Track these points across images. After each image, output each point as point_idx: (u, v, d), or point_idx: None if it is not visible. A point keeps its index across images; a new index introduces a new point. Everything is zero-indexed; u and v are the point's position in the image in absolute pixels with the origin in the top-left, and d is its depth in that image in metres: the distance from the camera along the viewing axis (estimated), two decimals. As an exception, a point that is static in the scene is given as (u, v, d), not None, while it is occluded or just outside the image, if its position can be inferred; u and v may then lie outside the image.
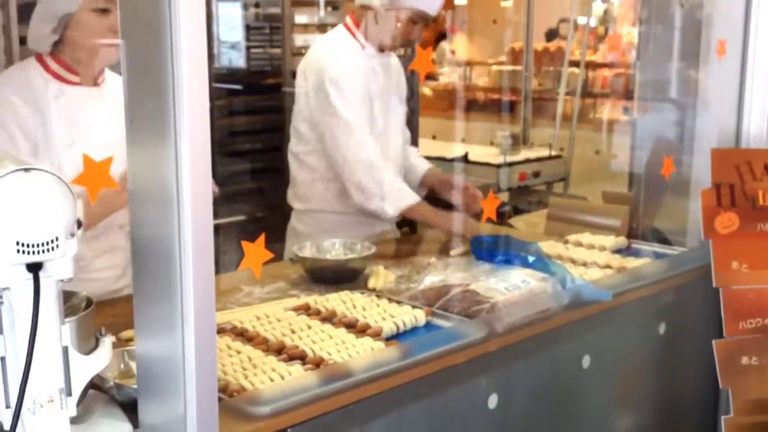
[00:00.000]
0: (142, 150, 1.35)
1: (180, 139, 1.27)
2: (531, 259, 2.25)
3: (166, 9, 1.25)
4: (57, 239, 1.20)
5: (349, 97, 2.65)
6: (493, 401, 1.91)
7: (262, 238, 1.44)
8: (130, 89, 1.33)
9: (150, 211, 1.35)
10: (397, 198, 2.67)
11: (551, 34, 7.26)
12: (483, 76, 8.06)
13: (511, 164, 5.23)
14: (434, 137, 6.16)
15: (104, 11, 2.04)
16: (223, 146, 4.27)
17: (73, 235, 1.25)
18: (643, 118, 3.06)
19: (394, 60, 2.87)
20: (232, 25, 5.27)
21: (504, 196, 5.31)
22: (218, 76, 4.54)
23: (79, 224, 1.28)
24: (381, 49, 2.77)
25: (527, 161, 5.37)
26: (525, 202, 5.35)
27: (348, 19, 2.80)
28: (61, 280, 1.26)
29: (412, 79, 3.43)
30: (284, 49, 4.63)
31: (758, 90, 2.54)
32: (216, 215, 3.91)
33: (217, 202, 2.46)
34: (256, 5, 5.08)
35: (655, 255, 2.64)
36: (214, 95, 4.46)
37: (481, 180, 5.14)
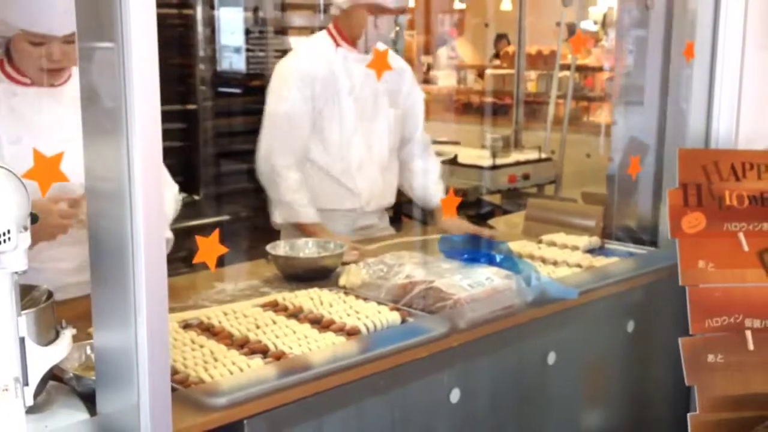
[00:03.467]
0: (96, 146, 1.39)
1: (131, 136, 1.31)
2: (499, 257, 2.28)
3: (117, 10, 1.29)
4: (9, 232, 1.24)
5: (293, 98, 2.74)
6: (455, 396, 1.95)
7: (216, 232, 1.49)
8: (84, 88, 1.38)
9: (104, 206, 1.39)
10: (288, 211, 2.75)
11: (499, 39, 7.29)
12: (477, 79, 8.12)
13: (500, 167, 5.27)
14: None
15: (37, 44, 2.09)
16: (220, 146, 4.34)
17: (26, 228, 1.29)
18: (625, 120, 3.09)
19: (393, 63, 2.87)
20: (232, 29, 5.34)
21: (495, 198, 5.36)
22: (211, 78, 4.59)
23: (34, 218, 1.32)
24: (365, 50, 2.81)
25: (517, 164, 5.41)
26: (515, 205, 5.39)
27: (331, 24, 2.87)
28: (16, 273, 1.30)
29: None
30: (266, 52, 4.72)
31: (727, 91, 2.58)
32: (212, 214, 3.94)
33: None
34: (255, 9, 5.14)
35: (628, 255, 2.67)
36: (207, 97, 4.51)
37: (469, 182, 5.19)
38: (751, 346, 2.32)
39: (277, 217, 2.80)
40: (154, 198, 1.35)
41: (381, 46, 2.81)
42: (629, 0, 2.74)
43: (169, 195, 2.38)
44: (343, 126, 2.80)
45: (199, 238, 1.46)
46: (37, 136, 2.14)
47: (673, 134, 2.70)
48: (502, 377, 2.08)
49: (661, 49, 2.67)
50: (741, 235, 2.38)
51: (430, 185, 3.02)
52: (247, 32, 5.08)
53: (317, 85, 2.74)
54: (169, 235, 2.25)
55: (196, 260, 1.47)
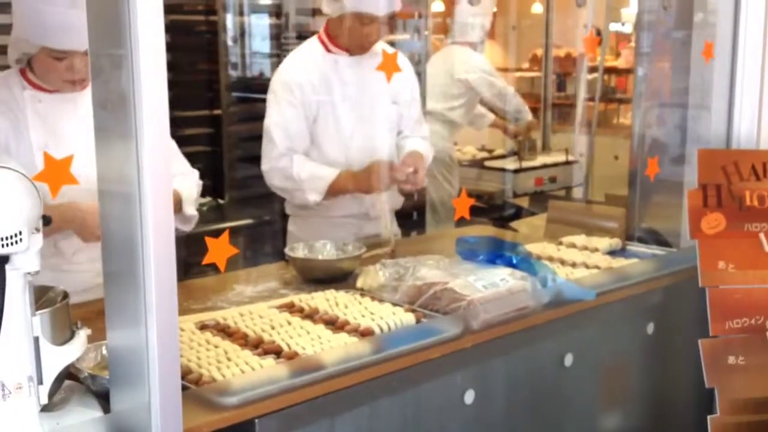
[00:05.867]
0: (107, 150, 1.42)
1: (140, 140, 1.34)
2: (515, 259, 2.28)
3: (126, 18, 1.33)
4: (21, 233, 1.27)
5: (283, 108, 2.75)
6: (469, 397, 1.95)
7: (226, 233, 1.51)
8: (95, 94, 1.41)
9: (116, 209, 1.43)
10: (314, 183, 2.74)
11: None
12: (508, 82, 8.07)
13: (526, 170, 5.26)
14: (455, 143, 6.22)
15: (60, 59, 2.15)
16: (243, 150, 4.40)
17: (38, 230, 1.32)
18: (646, 121, 3.07)
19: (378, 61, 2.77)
20: (262, 35, 5.40)
21: (523, 201, 5.35)
22: (235, 83, 4.65)
23: (46, 220, 1.35)
24: (354, 53, 2.81)
25: (544, 167, 5.40)
26: (542, 208, 5.38)
27: (322, 29, 2.88)
28: (29, 273, 1.34)
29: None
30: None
31: (748, 91, 2.55)
32: (236, 218, 3.99)
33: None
34: (277, 15, 5.18)
35: (649, 256, 2.65)
36: (231, 102, 4.56)
37: (496, 185, 5.19)
38: (772, 348, 2.29)
39: (311, 196, 2.75)
40: (163, 200, 1.37)
41: (389, 48, 2.79)
42: (648, 1, 2.72)
43: (191, 180, 2.49)
44: (340, 131, 2.79)
45: (208, 239, 1.48)
46: (61, 140, 2.19)
47: (694, 135, 2.67)
48: (518, 379, 2.08)
49: (681, 50, 2.65)
50: (762, 236, 2.35)
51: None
52: (277, 37, 5.13)
53: (306, 92, 2.75)
54: (194, 212, 2.40)
55: (205, 261, 1.49)
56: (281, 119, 2.76)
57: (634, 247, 2.78)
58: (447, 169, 4.96)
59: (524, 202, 5.37)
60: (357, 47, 2.75)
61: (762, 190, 2.39)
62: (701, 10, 2.67)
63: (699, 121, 2.72)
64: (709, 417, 2.30)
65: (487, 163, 5.38)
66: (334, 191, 2.76)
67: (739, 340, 2.32)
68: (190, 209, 2.39)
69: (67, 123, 2.23)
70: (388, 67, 1.96)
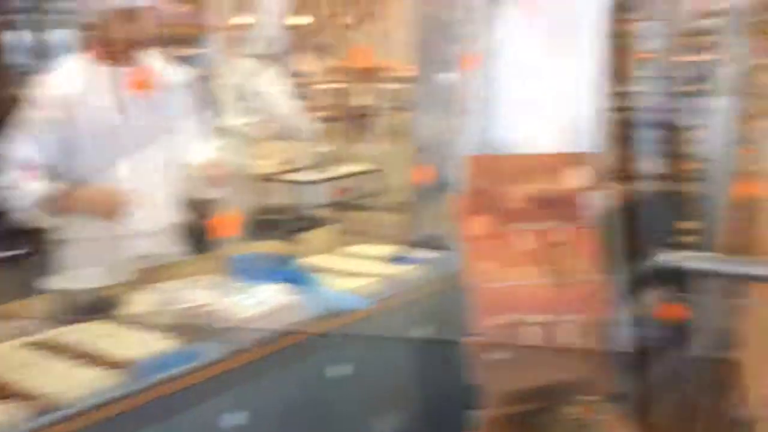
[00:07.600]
0: None
1: None
2: (288, 274, 2.24)
3: None
4: None
5: (31, 125, 2.61)
6: (237, 419, 1.89)
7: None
8: None
9: None
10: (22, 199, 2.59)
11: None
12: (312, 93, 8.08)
13: (325, 180, 5.26)
14: (254, 158, 6.14)
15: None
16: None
17: None
18: (418, 128, 3.14)
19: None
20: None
21: (324, 213, 5.34)
22: None
23: None
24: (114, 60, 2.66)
25: (343, 177, 5.42)
26: (340, 218, 5.40)
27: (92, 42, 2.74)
28: None
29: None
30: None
31: (508, 97, 2.66)
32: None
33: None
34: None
35: (429, 261, 2.70)
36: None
37: (294, 198, 5.16)
38: (532, 342, 2.38)
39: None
40: None
41: (149, 65, 2.70)
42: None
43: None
44: (104, 146, 2.63)
45: None
46: None
47: (461, 141, 2.76)
48: (290, 395, 2.04)
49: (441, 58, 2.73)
50: (523, 235, 2.44)
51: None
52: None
53: (63, 106, 2.58)
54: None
55: None
56: (25, 137, 2.59)
57: (416, 252, 2.83)
58: (242, 184, 4.87)
59: (325, 213, 5.37)
60: (116, 53, 2.61)
61: (525, 192, 2.48)
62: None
63: (467, 127, 2.81)
64: (474, 412, 2.36)
65: (286, 177, 5.34)
66: (58, 208, 2.59)
67: (500, 336, 2.39)
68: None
69: None
70: (140, 84, 1.87)
